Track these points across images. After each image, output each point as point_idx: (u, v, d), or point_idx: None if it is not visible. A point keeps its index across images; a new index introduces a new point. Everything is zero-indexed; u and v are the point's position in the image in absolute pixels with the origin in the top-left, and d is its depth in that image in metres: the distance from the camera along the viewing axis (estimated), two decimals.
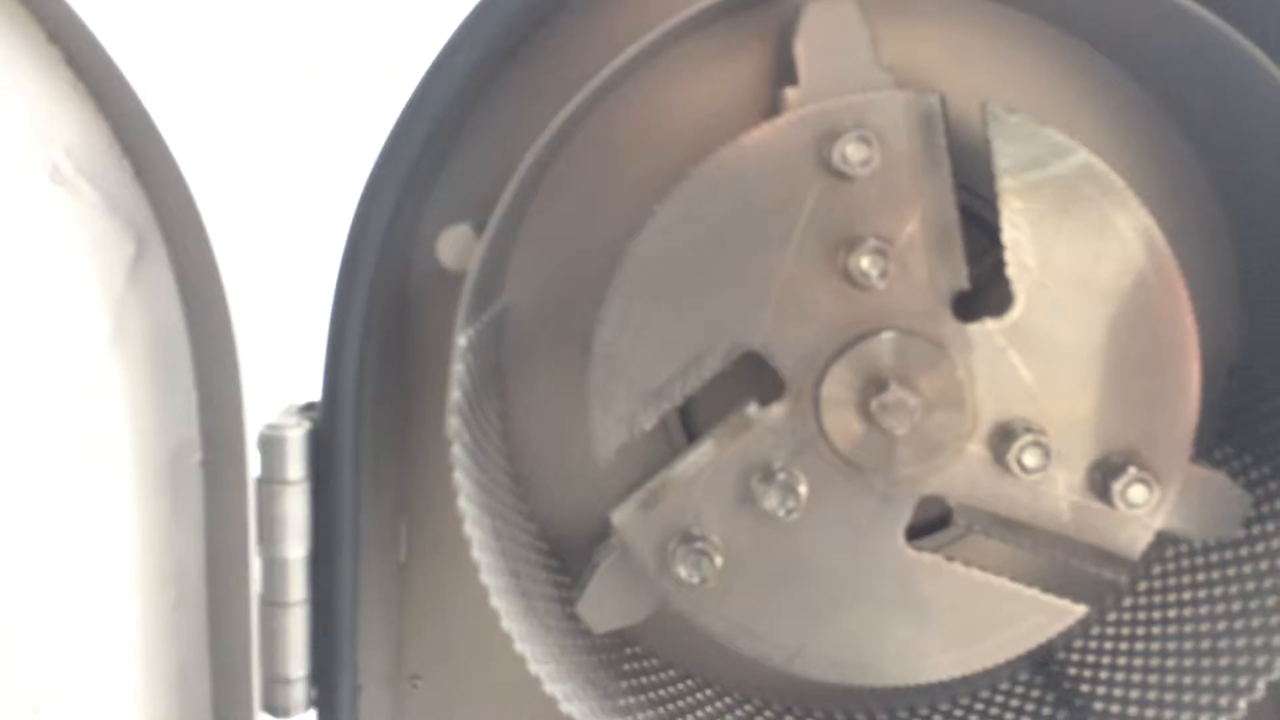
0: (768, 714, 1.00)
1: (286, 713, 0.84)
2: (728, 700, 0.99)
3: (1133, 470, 0.84)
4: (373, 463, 0.88)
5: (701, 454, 0.87)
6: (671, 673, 0.99)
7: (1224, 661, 0.88)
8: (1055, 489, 0.86)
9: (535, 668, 0.85)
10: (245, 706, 0.82)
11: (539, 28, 0.88)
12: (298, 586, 0.84)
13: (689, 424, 0.95)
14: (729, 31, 0.89)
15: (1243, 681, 0.85)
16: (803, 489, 0.86)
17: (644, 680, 0.96)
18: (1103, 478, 0.85)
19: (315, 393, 0.86)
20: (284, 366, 0.90)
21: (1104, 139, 0.90)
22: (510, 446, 0.96)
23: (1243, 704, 0.85)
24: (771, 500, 0.86)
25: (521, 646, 0.84)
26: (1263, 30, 0.79)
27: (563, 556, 0.98)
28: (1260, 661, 0.85)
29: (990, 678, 0.99)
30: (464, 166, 0.90)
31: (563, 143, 0.88)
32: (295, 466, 0.83)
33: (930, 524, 0.95)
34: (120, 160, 0.77)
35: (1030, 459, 0.85)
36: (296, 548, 0.84)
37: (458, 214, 0.89)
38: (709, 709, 0.97)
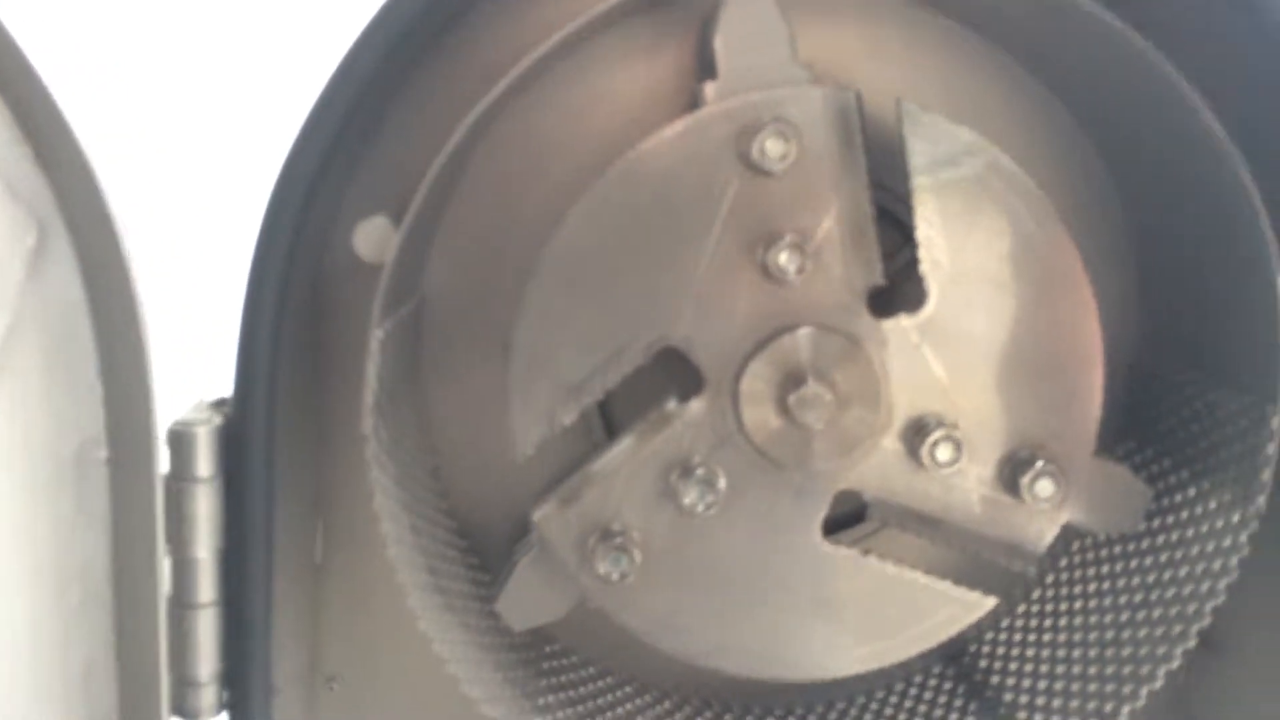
0: (685, 710, 1.00)
1: (196, 715, 0.82)
2: (646, 697, 0.99)
3: (1040, 464, 0.86)
4: (287, 460, 0.86)
5: (622, 449, 0.87)
6: (590, 670, 0.98)
7: (1126, 651, 0.90)
8: (966, 483, 0.87)
9: (454, 667, 0.83)
10: (154, 709, 0.79)
11: (460, 15, 0.87)
12: (208, 587, 0.82)
13: (608, 420, 0.95)
14: (650, 25, 0.89)
15: (1144, 670, 0.88)
16: (722, 484, 0.86)
17: (563, 678, 0.96)
18: (1011, 472, 0.87)
19: (226, 388, 0.84)
20: (192, 360, 0.87)
21: (1014, 140, 0.91)
22: (429, 440, 0.95)
23: (1144, 692, 0.87)
24: (691, 495, 0.85)
25: (440, 646, 0.83)
26: (1167, 36, 0.81)
27: (481, 553, 0.96)
28: (1160, 650, 0.87)
29: (904, 670, 0.99)
30: (382, 157, 0.89)
31: (483, 134, 0.87)
32: (205, 463, 0.81)
33: (845, 519, 0.96)
34: (20, 145, 0.73)
35: (943, 453, 0.86)
36: (206, 547, 0.81)
37: (376, 205, 0.88)
38: (627, 706, 0.97)
